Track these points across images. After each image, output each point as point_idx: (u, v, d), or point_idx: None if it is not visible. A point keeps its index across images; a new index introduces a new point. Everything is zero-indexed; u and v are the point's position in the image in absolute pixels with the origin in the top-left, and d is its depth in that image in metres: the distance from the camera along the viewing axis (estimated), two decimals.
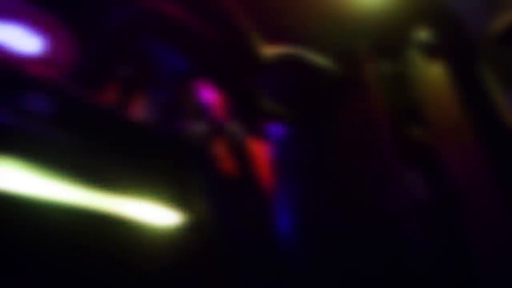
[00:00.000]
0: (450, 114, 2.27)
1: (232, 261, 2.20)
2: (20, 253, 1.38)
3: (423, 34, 2.52)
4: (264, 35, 2.44)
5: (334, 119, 2.71)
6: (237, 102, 2.71)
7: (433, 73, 2.43)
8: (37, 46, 2.20)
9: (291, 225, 2.54)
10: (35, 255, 1.42)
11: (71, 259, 1.51)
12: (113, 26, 2.21)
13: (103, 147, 1.78)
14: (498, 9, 2.19)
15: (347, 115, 2.66)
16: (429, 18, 2.51)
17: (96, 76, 2.17)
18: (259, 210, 2.52)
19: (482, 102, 2.18)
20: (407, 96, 2.55)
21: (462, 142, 2.17)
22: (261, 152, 2.79)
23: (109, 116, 1.91)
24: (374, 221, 2.26)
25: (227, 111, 2.74)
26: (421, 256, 2.07)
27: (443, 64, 2.38)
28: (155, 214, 1.90)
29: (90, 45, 2.25)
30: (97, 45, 2.23)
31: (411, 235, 2.12)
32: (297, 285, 2.35)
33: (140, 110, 2.52)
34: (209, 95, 2.74)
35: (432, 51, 2.46)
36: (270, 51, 2.47)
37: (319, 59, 2.62)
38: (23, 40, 2.14)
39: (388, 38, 2.66)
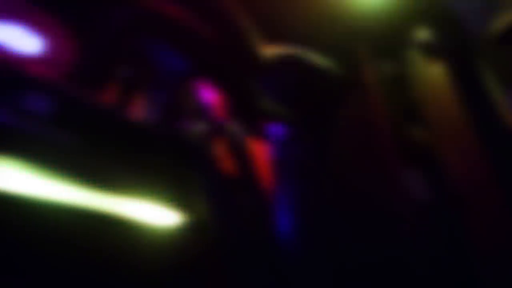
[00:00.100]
0: (450, 114, 2.27)
1: (232, 261, 2.20)
2: (20, 253, 1.38)
3: (423, 34, 2.52)
4: (264, 35, 2.44)
5: (334, 119, 2.71)
6: (237, 102, 2.71)
7: (433, 73, 2.43)
8: (37, 46, 2.20)
9: (291, 225, 2.54)
10: (35, 255, 1.41)
11: (71, 259, 1.51)
12: (113, 26, 2.21)
13: (103, 147, 1.77)
14: (498, 9, 2.19)
15: (347, 115, 2.67)
16: (429, 18, 2.51)
17: (96, 76, 2.17)
18: (259, 210, 2.52)
19: (482, 102, 2.18)
20: (407, 96, 2.55)
21: (462, 142, 2.17)
22: (261, 152, 2.79)
23: (109, 116, 1.91)
24: (374, 221, 2.26)
25: (227, 111, 2.73)
26: (421, 256, 2.07)
27: (443, 64, 2.38)
28: (155, 214, 1.90)
29: (90, 45, 2.25)
30: (97, 45, 2.23)
31: (411, 235, 2.12)
32: (297, 285, 2.35)
33: (140, 110, 2.52)
34: (209, 95, 2.73)
35: (432, 51, 2.46)
36: (270, 51, 2.47)
37: (319, 60, 2.62)
38: (23, 40, 2.14)
39: (388, 38, 2.66)
